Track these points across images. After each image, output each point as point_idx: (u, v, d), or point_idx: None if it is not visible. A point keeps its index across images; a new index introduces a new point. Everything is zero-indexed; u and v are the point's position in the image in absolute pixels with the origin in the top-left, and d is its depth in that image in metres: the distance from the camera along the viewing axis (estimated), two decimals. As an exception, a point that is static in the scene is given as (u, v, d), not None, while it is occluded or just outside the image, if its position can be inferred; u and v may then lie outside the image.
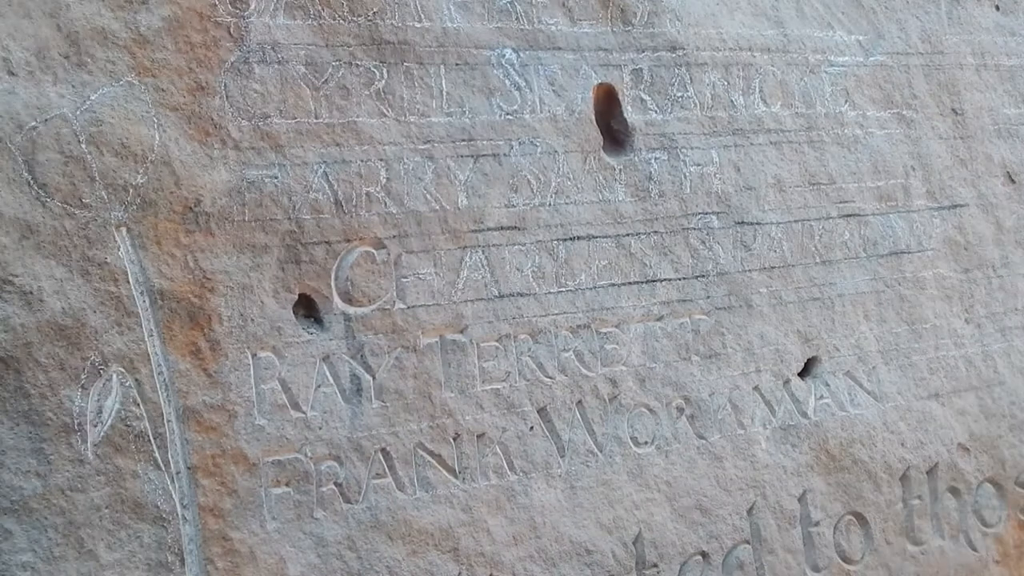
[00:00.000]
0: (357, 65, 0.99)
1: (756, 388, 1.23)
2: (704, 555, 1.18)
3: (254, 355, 0.93)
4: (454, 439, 1.04)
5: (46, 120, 0.85)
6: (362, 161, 0.99)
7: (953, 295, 1.42)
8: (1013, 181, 1.53)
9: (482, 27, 1.06)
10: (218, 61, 0.92)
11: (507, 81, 1.07)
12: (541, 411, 1.09)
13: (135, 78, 0.88)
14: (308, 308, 0.98)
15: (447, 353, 1.03)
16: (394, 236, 1.00)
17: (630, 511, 1.14)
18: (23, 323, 0.84)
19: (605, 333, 1.13)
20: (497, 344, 1.07)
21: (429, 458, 1.03)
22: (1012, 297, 1.48)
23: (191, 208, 0.91)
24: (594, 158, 1.13)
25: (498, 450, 1.06)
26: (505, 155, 1.07)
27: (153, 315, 0.89)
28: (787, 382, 1.25)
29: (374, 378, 0.99)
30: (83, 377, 0.86)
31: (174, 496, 0.89)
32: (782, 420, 1.25)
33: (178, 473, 0.89)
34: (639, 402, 1.14)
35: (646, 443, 1.16)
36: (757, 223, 1.24)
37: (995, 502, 1.43)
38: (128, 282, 0.88)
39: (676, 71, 1.19)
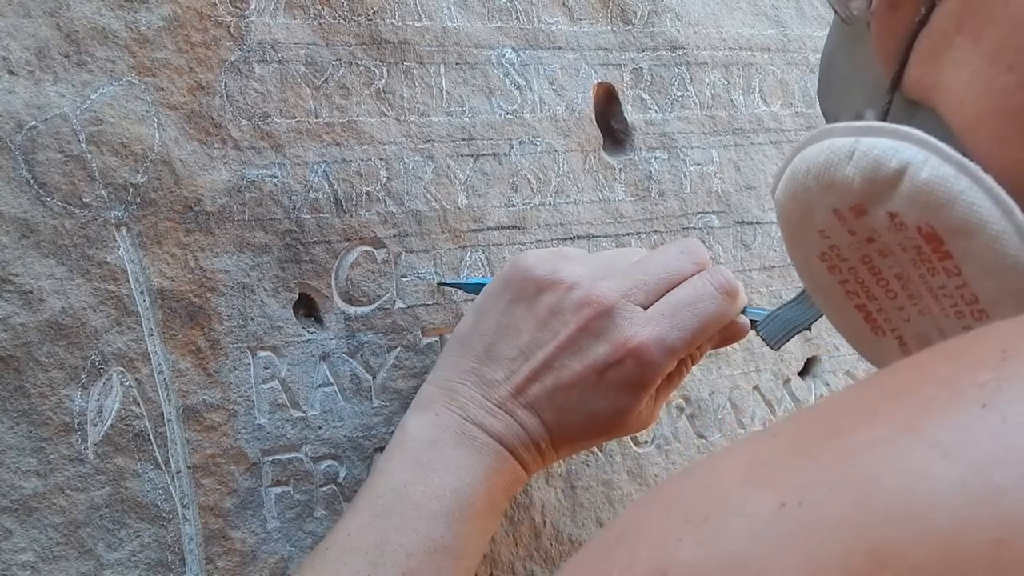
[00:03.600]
0: (357, 64, 0.99)
1: (756, 387, 1.23)
2: (704, 554, 1.18)
3: (254, 354, 0.93)
4: (454, 438, 1.04)
5: (46, 119, 0.85)
6: (362, 160, 0.99)
7: (953, 294, 1.42)
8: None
9: (482, 26, 1.06)
10: (218, 60, 0.92)
11: (507, 80, 1.07)
12: (541, 410, 1.09)
13: (135, 77, 0.88)
14: (308, 307, 0.98)
15: (447, 352, 1.02)
16: (394, 235, 1.00)
17: (630, 510, 1.14)
18: (23, 323, 0.83)
19: (605, 332, 1.12)
20: (497, 343, 1.07)
21: (429, 457, 1.03)
22: (1012, 296, 1.47)
23: (191, 207, 0.90)
24: (594, 157, 1.13)
25: (498, 449, 1.06)
26: (505, 154, 1.07)
27: (153, 314, 0.89)
28: (787, 381, 1.25)
29: (374, 378, 0.99)
30: (83, 377, 0.86)
31: (174, 496, 0.89)
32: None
33: (178, 473, 0.89)
34: (639, 401, 1.14)
35: (646, 442, 1.16)
36: (757, 222, 1.24)
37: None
38: (128, 281, 0.88)
39: (676, 70, 1.19)
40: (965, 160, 0.52)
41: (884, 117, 0.60)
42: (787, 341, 0.89)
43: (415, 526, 0.83)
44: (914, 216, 0.53)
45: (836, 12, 0.67)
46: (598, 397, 0.88)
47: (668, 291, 0.88)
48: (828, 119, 0.72)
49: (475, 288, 0.98)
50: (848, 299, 0.61)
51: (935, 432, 0.35)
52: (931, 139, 0.53)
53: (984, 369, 0.37)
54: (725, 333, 0.90)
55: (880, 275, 0.58)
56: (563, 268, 0.89)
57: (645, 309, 0.88)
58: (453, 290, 1.03)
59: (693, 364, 0.95)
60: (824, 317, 0.68)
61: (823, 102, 0.74)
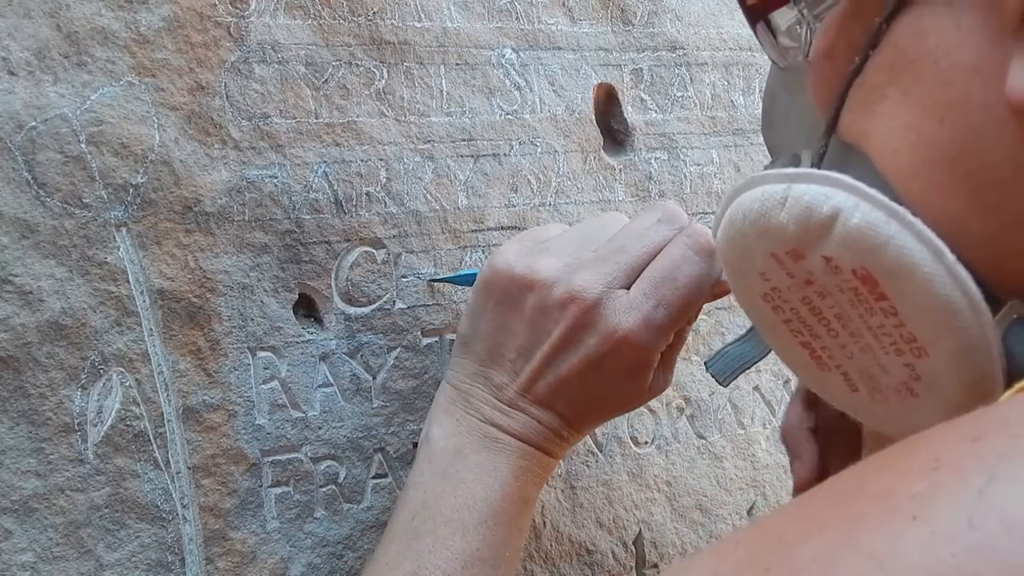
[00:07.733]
0: (357, 65, 0.99)
1: (756, 388, 1.23)
2: (704, 555, 1.18)
3: (254, 355, 0.93)
4: (454, 439, 1.04)
5: (46, 120, 0.85)
6: (362, 161, 0.99)
7: (953, 295, 1.42)
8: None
9: (482, 27, 1.06)
10: (218, 61, 0.92)
11: (507, 81, 1.07)
12: (541, 411, 1.09)
13: (135, 78, 0.88)
14: (308, 308, 0.98)
15: (447, 353, 1.03)
16: (394, 236, 1.00)
17: (630, 511, 1.14)
18: (23, 323, 0.83)
19: (605, 333, 1.12)
20: (497, 344, 1.07)
21: (429, 458, 1.03)
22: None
23: (191, 208, 0.90)
24: (594, 158, 1.13)
25: (498, 450, 1.06)
26: (505, 155, 1.07)
27: (153, 315, 0.89)
28: (787, 382, 1.25)
29: (374, 378, 0.99)
30: (83, 377, 0.86)
31: (174, 496, 0.89)
32: (782, 420, 1.24)
33: (178, 473, 0.89)
34: (639, 402, 1.14)
35: (646, 443, 1.16)
36: (757, 223, 1.24)
37: (995, 502, 1.43)
38: (128, 282, 0.88)
39: (676, 71, 1.19)
40: (894, 205, 0.53)
41: (820, 160, 0.62)
42: (735, 378, 0.90)
43: (449, 543, 0.84)
44: (848, 260, 0.54)
45: (773, 61, 0.68)
46: (601, 384, 0.89)
47: (650, 263, 0.89)
48: (771, 151, 0.74)
49: (466, 279, 0.98)
50: (793, 337, 0.62)
51: (870, 545, 0.37)
52: (861, 185, 0.54)
53: (917, 479, 0.39)
54: (716, 290, 0.90)
55: (821, 315, 0.59)
56: (539, 264, 0.90)
57: (629, 288, 0.88)
58: (453, 290, 1.03)
59: (691, 325, 0.95)
60: (773, 352, 0.69)
61: (766, 135, 0.75)
